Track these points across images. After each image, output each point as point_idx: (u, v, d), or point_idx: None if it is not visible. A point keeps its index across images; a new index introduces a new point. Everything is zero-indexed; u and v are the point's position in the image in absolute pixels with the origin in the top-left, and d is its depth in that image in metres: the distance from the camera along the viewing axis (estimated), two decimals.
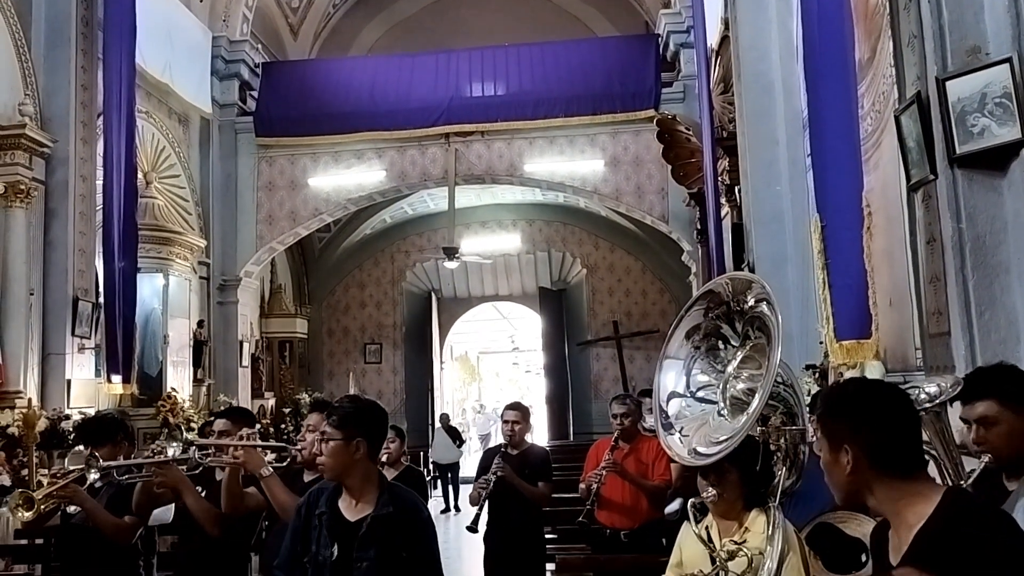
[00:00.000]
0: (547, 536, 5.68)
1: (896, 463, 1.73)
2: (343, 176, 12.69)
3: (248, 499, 3.47)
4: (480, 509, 5.11)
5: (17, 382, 7.75)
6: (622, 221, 15.18)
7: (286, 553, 2.69)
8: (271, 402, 13.73)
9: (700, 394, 3.01)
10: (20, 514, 3.76)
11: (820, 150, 4.88)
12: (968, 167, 3.65)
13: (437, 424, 14.15)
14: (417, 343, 16.80)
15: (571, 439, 14.69)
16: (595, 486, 4.80)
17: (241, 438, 3.44)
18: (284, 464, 3.51)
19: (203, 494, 3.74)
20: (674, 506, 4.83)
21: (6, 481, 6.53)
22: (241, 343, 12.68)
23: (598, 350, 16.31)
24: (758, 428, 2.91)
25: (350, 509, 2.67)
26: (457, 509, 12.33)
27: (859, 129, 4.80)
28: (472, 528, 5.18)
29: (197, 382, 11.31)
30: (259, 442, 3.46)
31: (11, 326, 7.81)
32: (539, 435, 14.02)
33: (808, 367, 6.17)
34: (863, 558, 3.09)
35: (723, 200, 8.65)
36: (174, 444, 3.53)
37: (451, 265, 14.02)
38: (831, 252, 4.71)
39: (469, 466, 18.61)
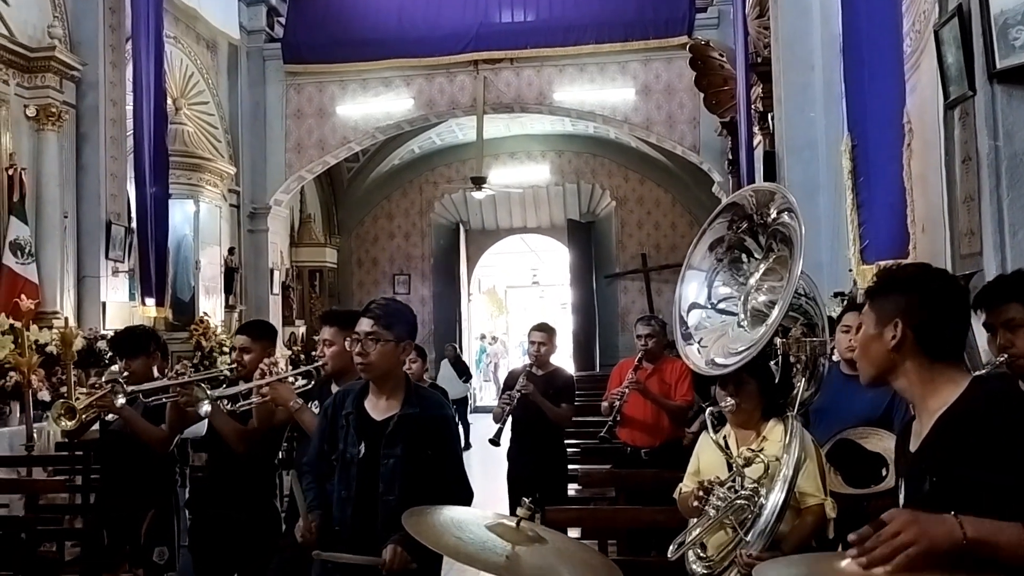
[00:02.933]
0: (569, 454, 5.79)
1: (939, 347, 1.72)
2: (371, 104, 12.62)
3: (278, 413, 3.53)
4: (502, 424, 5.22)
5: (54, 303, 7.92)
6: (652, 152, 15.00)
7: (313, 452, 2.77)
8: (302, 330, 13.93)
9: (721, 306, 3.02)
10: (63, 423, 3.89)
11: (856, 68, 4.76)
12: (1008, 82, 3.56)
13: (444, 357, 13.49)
14: (445, 275, 16.88)
15: (597, 371, 14.79)
16: (617, 403, 4.87)
17: (264, 373, 3.45)
18: (312, 385, 3.56)
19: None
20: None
21: (46, 396, 6.72)
22: (272, 271, 12.83)
23: (626, 283, 16.30)
24: (778, 339, 2.92)
25: (376, 409, 2.73)
26: (467, 446, 11.39)
27: (902, 45, 4.66)
28: (494, 441, 5.30)
29: (229, 308, 11.50)
30: (283, 373, 3.49)
31: (47, 248, 7.95)
32: (566, 368, 14.06)
33: (837, 295, 6.14)
34: (883, 472, 3.13)
35: (755, 128, 8.51)
36: (202, 402, 3.56)
37: (479, 195, 13.99)
38: (865, 172, 4.63)
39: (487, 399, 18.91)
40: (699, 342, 2.94)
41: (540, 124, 15.49)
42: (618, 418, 4.97)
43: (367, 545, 2.55)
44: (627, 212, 16.26)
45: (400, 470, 2.62)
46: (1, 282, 7.44)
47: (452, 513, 2.16)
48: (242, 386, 3.65)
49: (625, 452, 5.04)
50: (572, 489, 5.55)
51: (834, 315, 5.17)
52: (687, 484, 2.98)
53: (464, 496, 2.66)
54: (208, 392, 3.56)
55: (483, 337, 21.14)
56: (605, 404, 5.06)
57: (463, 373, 13.27)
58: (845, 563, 1.49)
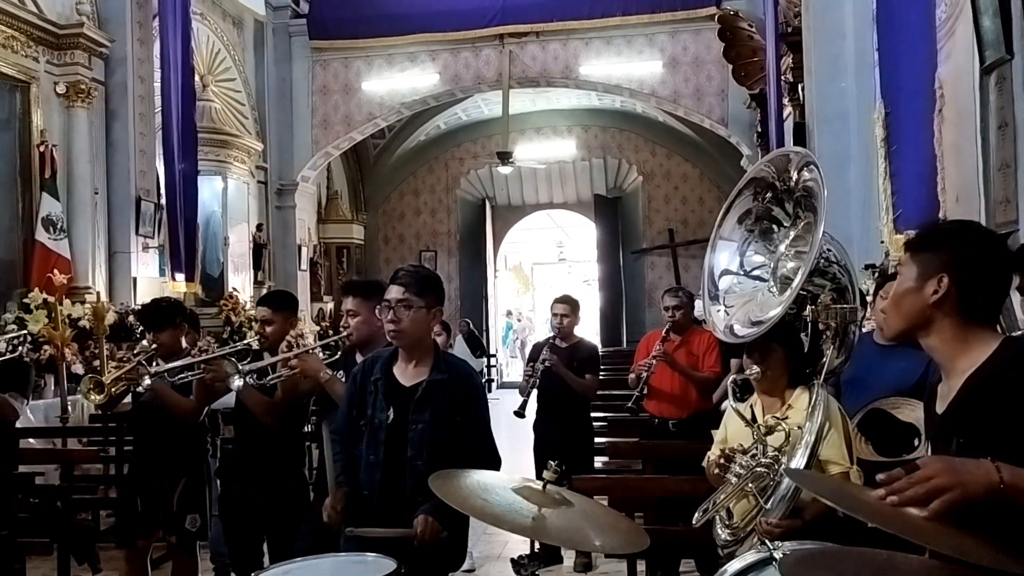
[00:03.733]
0: (597, 426, 5.80)
1: (978, 306, 1.68)
2: (397, 80, 12.59)
3: (303, 383, 3.56)
4: (527, 397, 5.24)
5: (86, 278, 8.04)
6: (679, 126, 14.85)
7: (342, 418, 2.79)
8: (330, 306, 14.02)
9: (754, 273, 2.99)
10: (92, 397, 3.94)
11: (890, 34, 4.67)
12: None
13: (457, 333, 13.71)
14: (471, 251, 16.89)
15: (624, 347, 14.76)
16: (644, 375, 4.86)
17: (290, 345, 3.47)
18: (338, 356, 3.58)
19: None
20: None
21: (79, 370, 6.84)
22: (299, 247, 12.91)
23: (653, 259, 16.21)
24: (808, 306, 2.88)
25: (405, 375, 2.74)
26: None
27: (935, 11, 4.56)
28: (519, 413, 5.31)
29: (257, 284, 11.59)
30: (309, 345, 3.51)
31: (78, 224, 8.05)
32: (590, 339, 14.02)
33: (868, 267, 6.07)
34: (915, 443, 3.09)
35: (785, 99, 8.38)
36: (235, 374, 3.59)
37: (504, 170, 13.95)
38: (898, 140, 4.55)
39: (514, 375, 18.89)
40: (725, 305, 2.91)
41: (566, 98, 15.38)
42: (645, 390, 4.96)
43: (396, 509, 2.57)
44: (654, 187, 16.15)
45: (428, 435, 2.63)
46: (34, 258, 7.57)
47: (479, 477, 2.17)
48: (269, 359, 3.67)
49: (652, 424, 5.03)
50: (599, 462, 5.56)
51: (864, 287, 5.12)
52: (714, 452, 2.97)
53: (492, 462, 2.66)
54: (238, 367, 3.59)
55: (509, 314, 21.17)
56: (632, 376, 5.06)
57: (477, 348, 13.27)
58: (874, 494, 1.47)
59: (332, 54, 12.64)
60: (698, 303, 5.56)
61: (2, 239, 7.53)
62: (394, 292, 2.71)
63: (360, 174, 16.32)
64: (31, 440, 5.85)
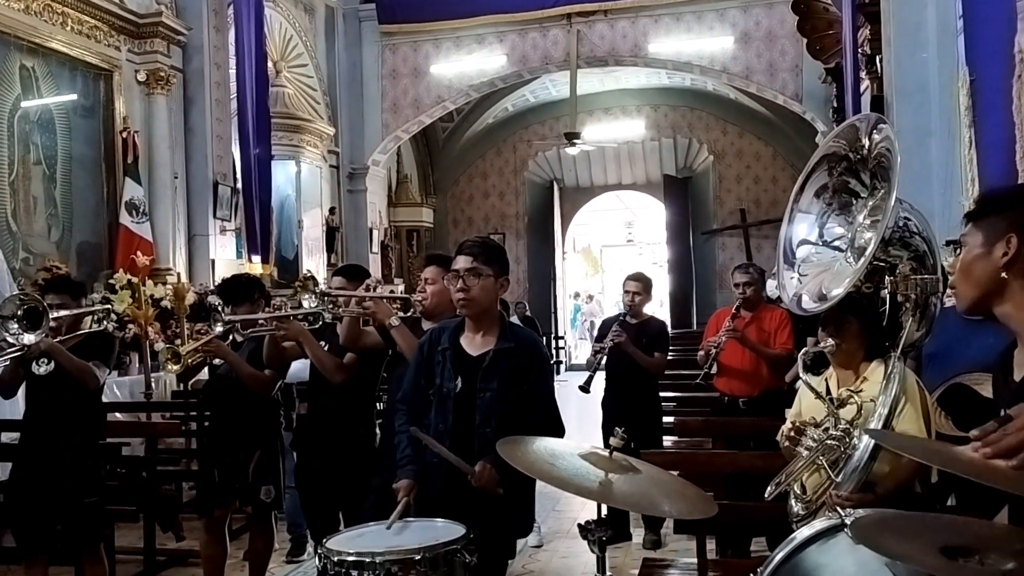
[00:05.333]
0: (665, 406, 5.76)
1: None
2: (465, 62, 12.64)
3: (365, 337, 3.62)
4: (593, 372, 5.23)
5: (167, 260, 8.32)
6: (751, 104, 14.54)
7: (409, 387, 2.83)
8: (400, 288, 14.20)
9: (833, 243, 2.92)
10: (170, 367, 4.08)
11: None
12: None
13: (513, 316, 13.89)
14: (540, 233, 16.88)
15: (694, 328, 14.59)
16: (713, 351, 4.79)
17: (368, 289, 3.58)
18: (406, 314, 3.63)
19: (325, 348, 3.94)
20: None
21: (161, 347, 7.09)
22: (371, 230, 13.10)
23: (724, 239, 15.96)
24: (887, 278, 2.80)
25: (472, 345, 2.77)
26: None
27: None
28: (584, 388, 5.31)
29: (330, 267, 11.81)
30: (386, 293, 3.59)
31: (159, 208, 8.33)
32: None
33: (949, 243, 5.86)
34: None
35: (862, 73, 8.13)
36: (307, 294, 3.70)
37: (572, 151, 13.88)
38: (981, 109, 4.38)
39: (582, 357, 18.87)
40: (799, 272, 2.85)
41: (635, 78, 15.19)
42: (714, 367, 4.90)
43: (464, 475, 2.60)
44: (725, 166, 15.87)
45: (496, 404, 2.66)
46: (119, 240, 7.86)
47: (546, 443, 2.18)
48: (344, 293, 3.74)
49: (722, 402, 4.96)
50: (668, 441, 5.52)
51: (946, 264, 4.94)
52: (787, 426, 2.91)
53: (556, 431, 2.67)
54: (312, 305, 3.67)
55: (577, 296, 21.12)
56: (701, 353, 5.00)
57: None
58: (965, 449, 1.43)
59: (401, 38, 12.75)
60: (771, 283, 5.46)
61: (89, 223, 7.84)
62: (462, 262, 2.74)
63: (429, 157, 16.46)
64: (117, 414, 6.10)
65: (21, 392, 3.92)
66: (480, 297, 2.72)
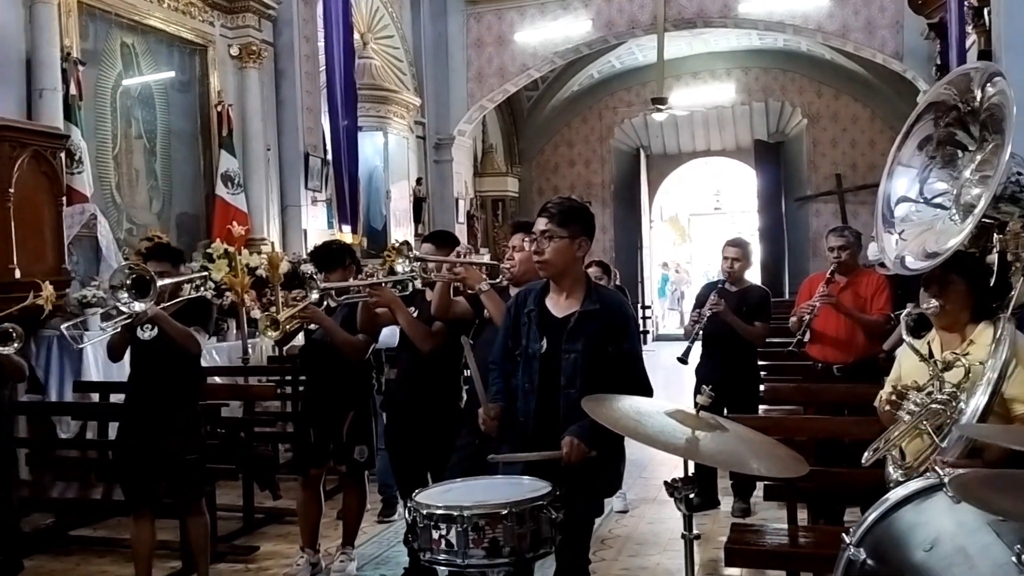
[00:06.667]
0: (761, 368, 5.62)
1: None
2: (550, 29, 12.51)
3: (455, 306, 3.66)
4: (691, 343, 5.13)
5: (262, 230, 8.57)
6: (848, 64, 13.97)
7: (499, 348, 2.85)
8: (486, 257, 14.29)
9: (935, 200, 2.78)
10: (269, 333, 4.22)
11: None
12: None
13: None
14: (626, 202, 16.69)
15: (786, 297, 14.24)
16: (807, 317, 4.65)
17: (458, 255, 3.62)
18: (495, 281, 3.65)
19: (415, 314, 4.00)
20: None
21: (257, 314, 7.32)
22: (457, 200, 13.19)
23: (818, 206, 15.48)
24: (995, 236, 2.66)
25: (557, 306, 2.77)
26: None
27: None
28: (682, 359, 5.22)
29: (418, 237, 11.94)
30: (475, 259, 3.61)
31: (253, 180, 8.57)
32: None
33: None
34: None
35: (969, 27, 7.70)
36: (401, 259, 3.76)
37: (659, 117, 13.62)
38: None
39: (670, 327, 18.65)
40: (900, 234, 2.73)
41: (725, 40, 14.78)
42: (807, 334, 4.76)
43: (550, 436, 2.61)
44: (820, 130, 15.34)
45: (581, 365, 2.65)
46: (215, 211, 8.13)
47: (632, 401, 2.16)
48: (435, 259, 3.79)
49: (815, 369, 4.82)
50: (761, 411, 5.41)
51: None
52: (886, 390, 2.81)
53: (644, 392, 2.64)
54: (404, 269, 3.73)
55: (665, 265, 20.84)
56: (793, 319, 4.85)
57: None
58: None
59: (485, 6, 12.70)
60: (872, 246, 5.25)
61: (187, 194, 8.13)
62: (539, 224, 2.76)
63: (514, 127, 16.42)
64: (216, 378, 6.34)
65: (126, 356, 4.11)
66: (554, 259, 2.71)
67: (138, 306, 3.63)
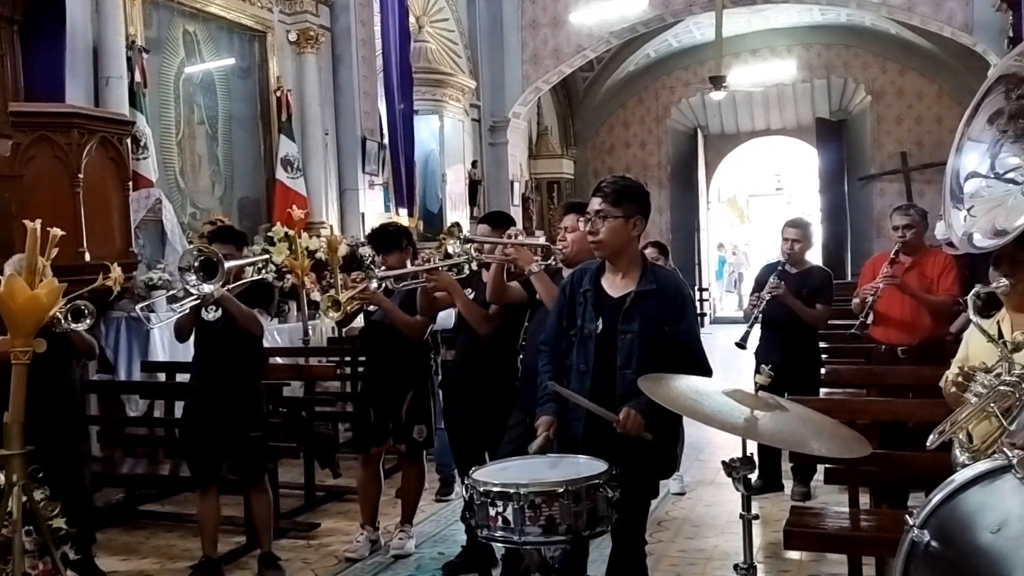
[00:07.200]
0: (822, 351, 5.51)
1: None
2: (605, 8, 12.36)
3: (510, 291, 3.67)
4: (751, 326, 5.06)
5: (321, 214, 8.69)
6: (914, 38, 13.54)
7: (552, 329, 2.85)
8: (542, 240, 14.24)
9: (1007, 176, 2.69)
10: (331, 314, 4.30)
11: None
12: None
13: None
14: (683, 183, 16.49)
15: (848, 279, 13.94)
16: (870, 299, 4.54)
17: (510, 237, 3.63)
18: (547, 262, 3.66)
19: (471, 296, 4.03)
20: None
21: (316, 297, 7.44)
22: (512, 183, 13.18)
23: (883, 185, 15.08)
24: None
25: (613, 286, 2.76)
26: None
27: None
28: (740, 344, 5.14)
29: (473, 219, 11.99)
30: (527, 240, 3.62)
31: (312, 164, 8.68)
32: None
33: None
34: None
35: None
36: (452, 240, 3.79)
37: (717, 97, 13.39)
38: None
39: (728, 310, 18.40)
40: (968, 210, 2.65)
41: (785, 15, 14.44)
42: (871, 316, 4.65)
43: (607, 423, 2.60)
44: (884, 107, 14.92)
45: (637, 345, 2.64)
46: (276, 195, 8.27)
47: (689, 381, 2.15)
48: (486, 239, 3.81)
49: (879, 351, 4.71)
50: (821, 394, 5.31)
51: None
52: (952, 371, 2.74)
53: (703, 372, 2.62)
54: (456, 250, 3.77)
55: (722, 247, 20.57)
56: (856, 301, 4.74)
57: None
58: None
59: None
60: (939, 225, 5.10)
61: (248, 179, 8.28)
62: (594, 203, 2.74)
63: (569, 108, 16.33)
64: (277, 359, 6.48)
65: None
66: (609, 239, 2.70)
67: (206, 287, 3.73)
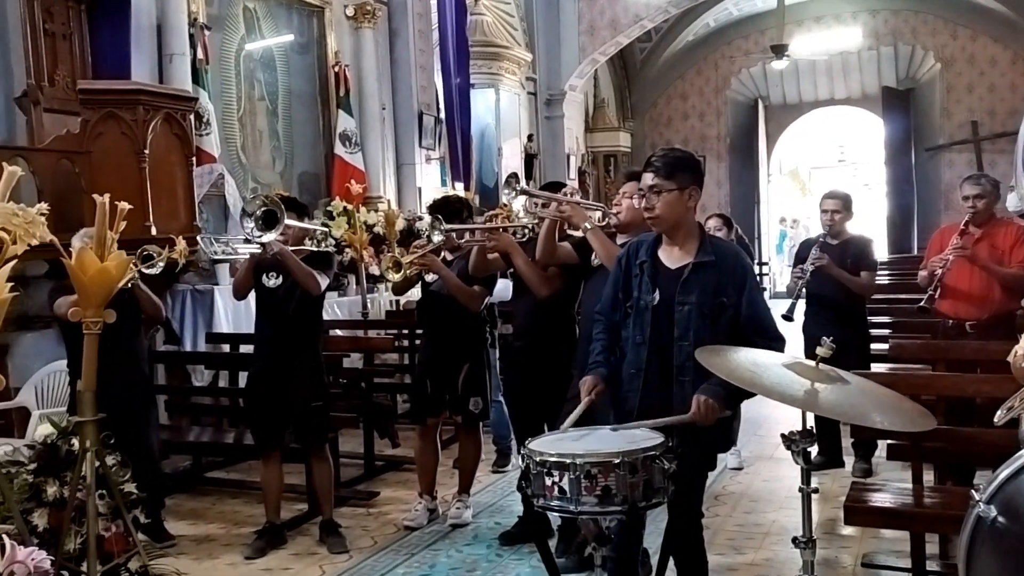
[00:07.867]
0: (880, 330, 5.40)
1: None
2: None
3: (559, 251, 3.65)
4: (795, 300, 4.98)
5: (378, 188, 8.77)
6: (987, 2, 13.03)
7: (608, 300, 2.83)
8: (597, 215, 14.17)
9: None
10: (391, 275, 4.37)
11: None
12: None
13: None
14: (743, 155, 16.22)
15: (915, 252, 13.58)
16: (939, 271, 4.42)
17: (566, 195, 3.61)
18: (602, 225, 3.64)
19: None
20: None
21: (375, 270, 7.54)
22: (568, 156, 13.12)
23: (952, 156, 14.62)
24: None
25: (670, 258, 2.73)
26: None
27: None
28: (787, 317, 5.06)
29: None
30: (582, 200, 3.61)
31: (369, 139, 8.75)
32: (879, 251, 13.02)
33: None
34: None
35: None
36: (508, 191, 3.79)
37: (779, 66, 13.11)
38: None
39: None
40: None
41: None
42: (938, 289, 4.52)
43: (663, 389, 2.60)
44: (954, 75, 14.42)
45: (695, 317, 2.61)
46: (334, 170, 8.36)
47: (749, 353, 2.12)
48: (542, 194, 3.82)
49: (946, 326, 4.58)
50: (880, 369, 5.19)
51: None
52: (1022, 345, 2.65)
53: (772, 341, 2.57)
54: (510, 197, 3.77)
55: (783, 221, 20.17)
56: (923, 273, 4.62)
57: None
58: None
59: None
60: (1012, 196, 4.93)
61: (307, 154, 8.39)
62: (646, 179, 2.70)
63: (626, 80, 16.14)
64: (337, 331, 6.59)
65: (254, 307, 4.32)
66: (665, 213, 2.67)
67: (268, 236, 3.81)
